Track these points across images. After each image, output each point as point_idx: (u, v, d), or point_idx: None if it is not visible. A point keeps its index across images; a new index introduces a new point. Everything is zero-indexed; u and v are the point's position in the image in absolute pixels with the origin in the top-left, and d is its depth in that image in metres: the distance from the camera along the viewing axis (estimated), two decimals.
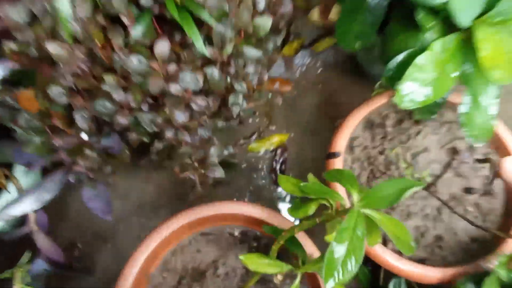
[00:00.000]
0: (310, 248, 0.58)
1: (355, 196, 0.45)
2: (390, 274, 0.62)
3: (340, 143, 0.64)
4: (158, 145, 0.53)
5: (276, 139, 0.83)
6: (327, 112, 0.88)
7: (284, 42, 0.96)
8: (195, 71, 0.47)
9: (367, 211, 0.44)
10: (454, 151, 0.67)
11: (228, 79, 0.53)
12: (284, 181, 0.50)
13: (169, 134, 0.49)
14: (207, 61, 0.50)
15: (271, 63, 0.77)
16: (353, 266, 0.41)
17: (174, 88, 0.43)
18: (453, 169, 0.66)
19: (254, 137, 0.84)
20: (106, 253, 0.76)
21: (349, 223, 0.43)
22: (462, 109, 0.49)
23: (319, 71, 0.91)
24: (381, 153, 0.66)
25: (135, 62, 0.43)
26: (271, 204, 0.80)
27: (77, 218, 0.77)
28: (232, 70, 0.51)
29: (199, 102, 0.45)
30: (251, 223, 0.62)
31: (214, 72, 0.46)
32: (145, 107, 0.47)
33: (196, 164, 0.51)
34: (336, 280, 0.40)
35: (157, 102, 0.49)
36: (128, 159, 0.58)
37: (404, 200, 0.64)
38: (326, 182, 0.60)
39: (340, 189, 0.59)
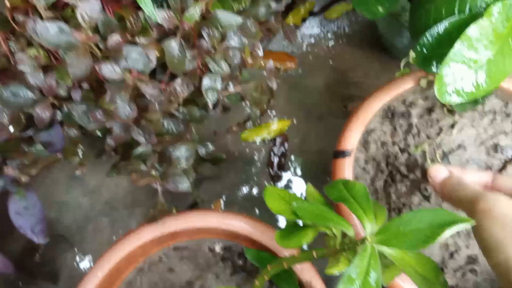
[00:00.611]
0: (308, 273, 0.45)
1: (369, 228, 0.32)
2: None
3: (352, 137, 0.51)
4: (110, 141, 0.40)
5: (274, 127, 0.69)
6: (338, 94, 0.73)
7: (289, 7, 0.81)
8: (149, 45, 0.34)
9: (385, 250, 0.31)
10: (496, 149, 0.53)
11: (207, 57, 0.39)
12: (270, 195, 0.37)
13: (117, 130, 0.36)
14: (170, 31, 0.36)
15: (271, 35, 0.62)
16: None
17: (108, 70, 0.30)
18: (493, 171, 0.52)
19: (249, 123, 0.70)
20: (72, 258, 0.65)
21: (359, 267, 0.30)
22: None
23: (330, 44, 0.76)
24: (403, 150, 0.53)
25: (52, 31, 0.29)
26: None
27: None
28: (204, 43, 0.37)
29: (149, 91, 0.32)
30: (235, 236, 0.49)
31: (171, 46, 0.32)
32: (77, 96, 0.33)
33: (154, 172, 0.38)
34: None
35: (99, 87, 0.36)
36: (77, 156, 0.46)
37: None
38: None
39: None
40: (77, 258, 0.65)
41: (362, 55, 0.74)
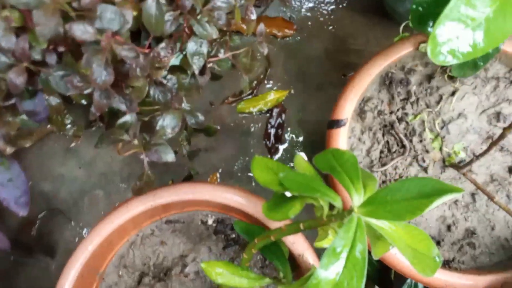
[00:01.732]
0: (300, 246, 0.45)
1: (356, 199, 0.30)
2: None
3: (347, 106, 0.49)
4: (93, 110, 0.39)
5: (271, 97, 0.67)
6: (338, 62, 0.71)
7: None
8: (125, 4, 0.32)
9: (372, 221, 0.30)
10: (499, 118, 0.51)
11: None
12: (258, 165, 0.36)
13: (97, 97, 0.35)
14: None
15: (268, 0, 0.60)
16: None
17: (80, 30, 0.28)
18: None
19: (245, 94, 0.68)
20: (69, 231, 0.65)
21: (344, 239, 0.29)
22: None
23: (330, 8, 0.73)
24: (401, 120, 0.51)
25: None
26: None
27: (33, 189, 0.65)
28: (186, 2, 0.35)
29: (124, 53, 0.30)
30: (228, 209, 0.48)
31: (148, 4, 0.30)
32: (52, 60, 0.32)
33: (135, 142, 0.37)
34: None
35: (78, 52, 0.34)
36: (69, 128, 0.45)
37: None
38: None
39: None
40: (74, 232, 0.65)
41: (363, 20, 0.71)
